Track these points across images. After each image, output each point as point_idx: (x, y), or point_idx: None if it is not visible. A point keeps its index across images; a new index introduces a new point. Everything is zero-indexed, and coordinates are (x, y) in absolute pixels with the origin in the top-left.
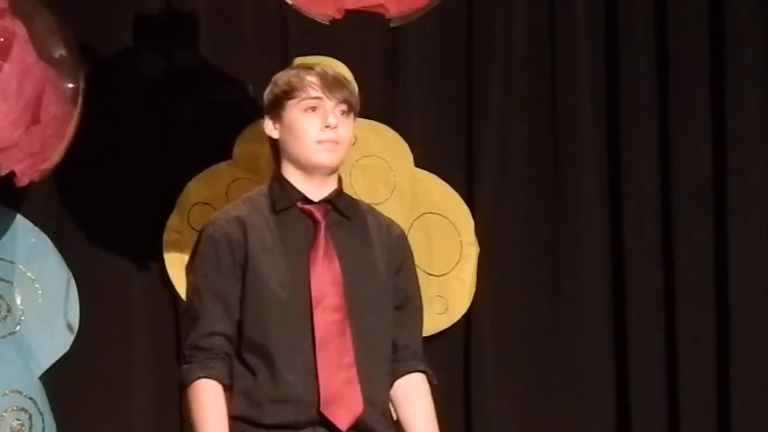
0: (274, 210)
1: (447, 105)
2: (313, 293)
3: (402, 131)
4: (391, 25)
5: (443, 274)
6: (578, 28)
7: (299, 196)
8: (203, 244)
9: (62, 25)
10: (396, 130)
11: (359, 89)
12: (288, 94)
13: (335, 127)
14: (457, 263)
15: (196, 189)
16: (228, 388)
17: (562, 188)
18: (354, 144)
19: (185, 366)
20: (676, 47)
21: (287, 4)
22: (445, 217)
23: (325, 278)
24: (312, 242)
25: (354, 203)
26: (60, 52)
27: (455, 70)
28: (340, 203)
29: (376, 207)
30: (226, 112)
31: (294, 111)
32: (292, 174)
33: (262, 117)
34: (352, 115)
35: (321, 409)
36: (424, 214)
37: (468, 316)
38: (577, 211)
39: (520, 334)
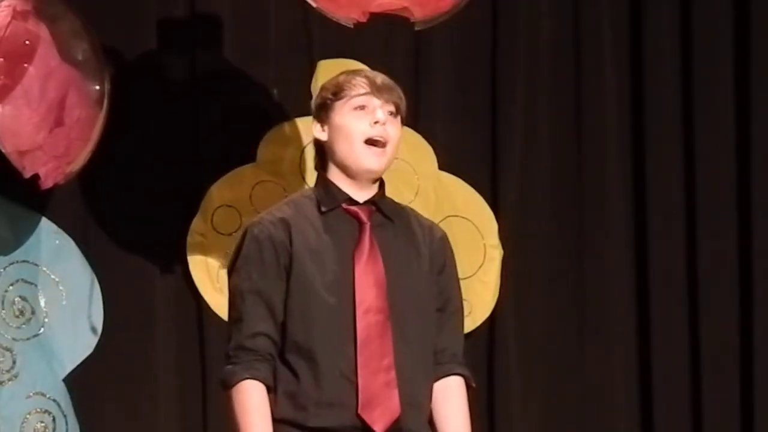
0: (320, 211)
1: (471, 108)
2: (357, 295)
3: (426, 134)
4: (416, 28)
5: (467, 277)
6: (603, 29)
7: (344, 196)
8: (247, 244)
9: (87, 28)
10: (420, 133)
11: None
12: (336, 95)
13: (384, 124)
14: (480, 266)
15: (219, 192)
16: (271, 390)
17: (587, 191)
18: None
19: (229, 367)
20: (700, 41)
21: (311, 7)
22: (468, 220)
23: (369, 279)
24: (357, 243)
25: (397, 206)
26: (84, 54)
27: (479, 73)
28: (383, 205)
29: None
30: (249, 115)
31: (343, 110)
32: (337, 177)
33: (286, 120)
34: (399, 119)
35: (359, 411)
36: (447, 217)
37: (492, 319)
38: (601, 214)
39: (544, 337)
